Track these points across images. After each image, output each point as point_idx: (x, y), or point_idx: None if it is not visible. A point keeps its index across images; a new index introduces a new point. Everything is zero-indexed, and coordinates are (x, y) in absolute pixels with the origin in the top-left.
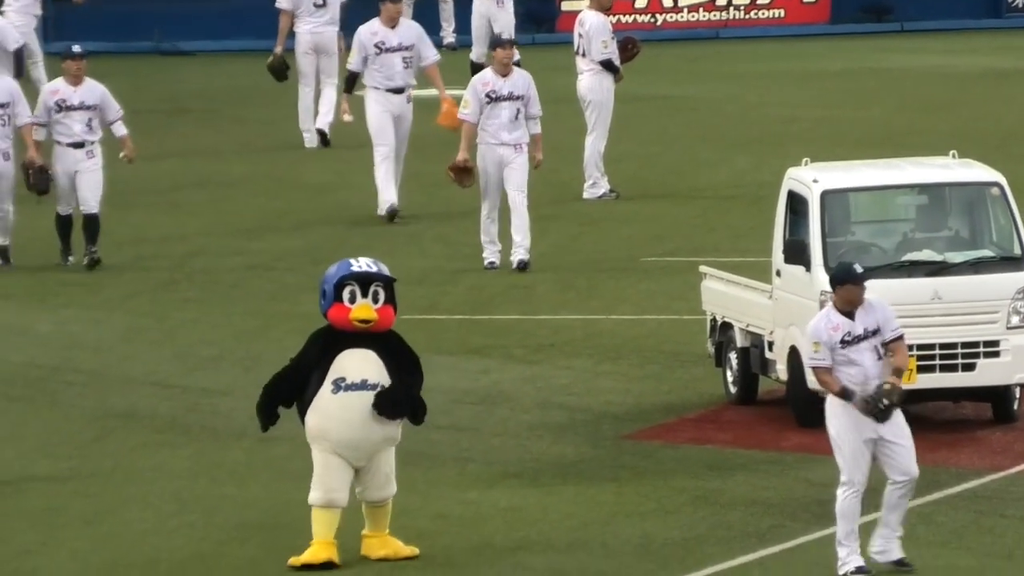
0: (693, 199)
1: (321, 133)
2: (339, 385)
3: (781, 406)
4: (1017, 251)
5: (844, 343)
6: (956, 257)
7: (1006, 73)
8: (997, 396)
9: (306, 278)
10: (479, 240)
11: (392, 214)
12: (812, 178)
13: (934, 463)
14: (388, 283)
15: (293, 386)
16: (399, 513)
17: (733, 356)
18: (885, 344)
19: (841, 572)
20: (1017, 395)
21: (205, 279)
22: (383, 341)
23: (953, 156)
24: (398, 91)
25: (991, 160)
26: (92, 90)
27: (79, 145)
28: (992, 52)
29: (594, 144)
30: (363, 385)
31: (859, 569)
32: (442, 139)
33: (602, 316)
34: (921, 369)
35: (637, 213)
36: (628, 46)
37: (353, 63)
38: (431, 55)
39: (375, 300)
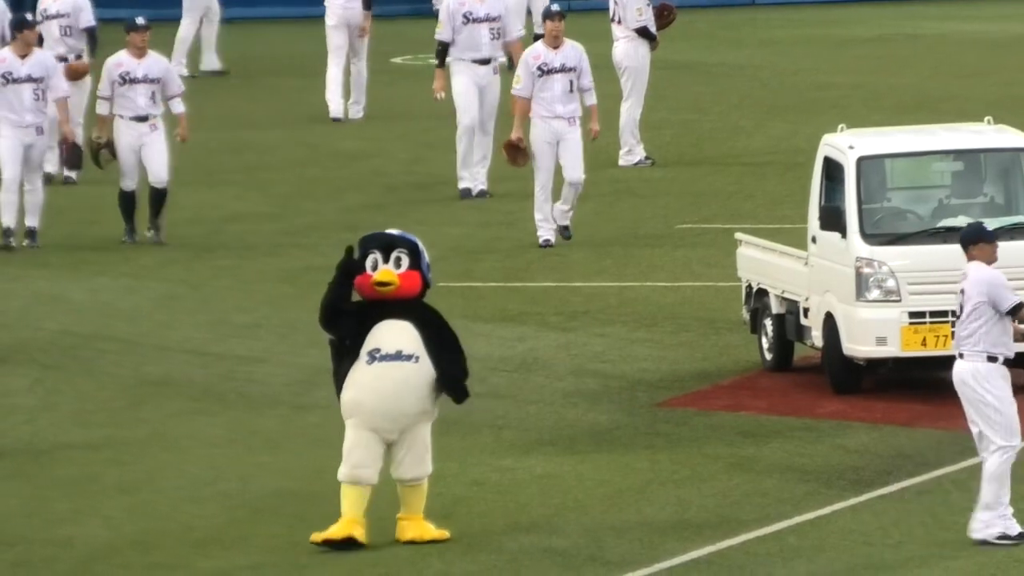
0: (729, 166)
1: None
2: (374, 356)
3: (816, 373)
4: None
5: None
6: (992, 223)
7: None
8: None
9: (341, 245)
10: (532, 216)
11: (465, 195)
12: (848, 144)
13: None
14: (412, 248)
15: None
16: (435, 479)
17: (768, 323)
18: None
19: (1013, 533)
20: None
21: (240, 246)
22: (418, 312)
23: (988, 122)
24: (484, 62)
25: None
26: (156, 63)
27: (143, 119)
28: None
29: (630, 111)
30: (398, 356)
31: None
32: None
33: (637, 283)
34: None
35: (673, 180)
36: (664, 13)
37: (442, 33)
38: (515, 30)
39: (397, 265)
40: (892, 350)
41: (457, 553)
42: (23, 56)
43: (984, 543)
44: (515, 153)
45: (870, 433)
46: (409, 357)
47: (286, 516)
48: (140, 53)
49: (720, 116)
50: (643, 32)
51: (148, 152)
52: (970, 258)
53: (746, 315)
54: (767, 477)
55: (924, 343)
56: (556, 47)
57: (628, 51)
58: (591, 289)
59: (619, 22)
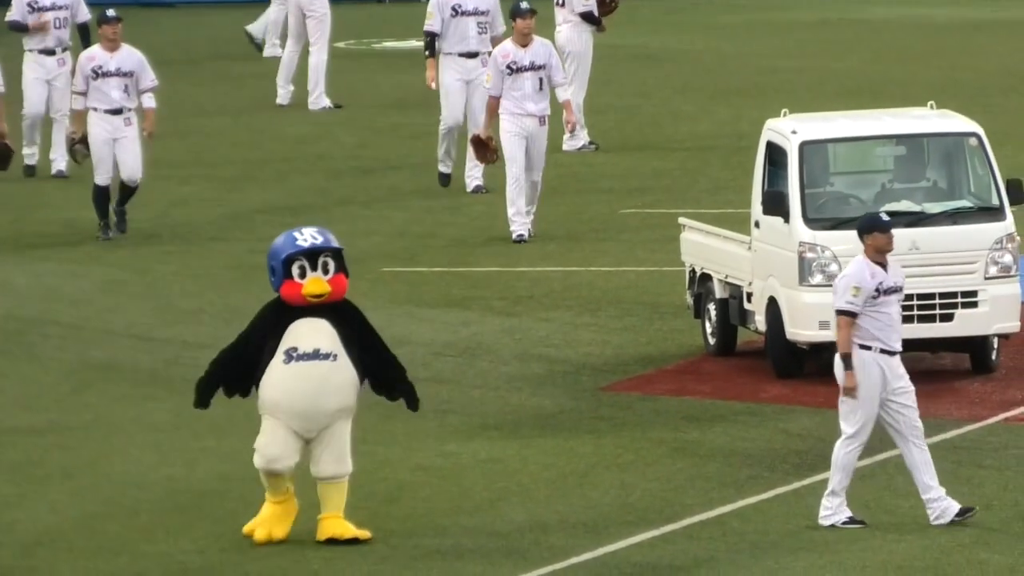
0: (673, 151)
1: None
2: (291, 355)
3: (759, 357)
4: (995, 201)
5: (878, 293)
6: (934, 208)
7: (983, 24)
8: (975, 346)
9: (285, 229)
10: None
11: (445, 183)
12: (791, 129)
13: None
14: (336, 252)
15: (245, 360)
16: (380, 464)
17: (712, 307)
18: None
19: (828, 522)
20: (995, 345)
21: (186, 231)
22: (337, 310)
23: (931, 107)
24: (471, 56)
25: (969, 111)
26: (130, 56)
27: (117, 112)
28: (969, 3)
29: (573, 96)
30: (315, 355)
31: (851, 519)
32: (418, 95)
33: (581, 268)
34: None
35: (616, 165)
36: (607, 0)
37: (431, 24)
38: (501, 25)
39: (325, 271)
40: (835, 334)
41: (401, 537)
42: None
43: (832, 528)
44: (483, 150)
45: (813, 417)
46: (327, 356)
47: (231, 500)
48: (113, 46)
49: (664, 101)
50: (587, 17)
51: (122, 149)
52: (865, 249)
53: (690, 300)
54: (710, 461)
55: None
56: (525, 45)
57: (572, 36)
58: (535, 274)
59: (563, 5)
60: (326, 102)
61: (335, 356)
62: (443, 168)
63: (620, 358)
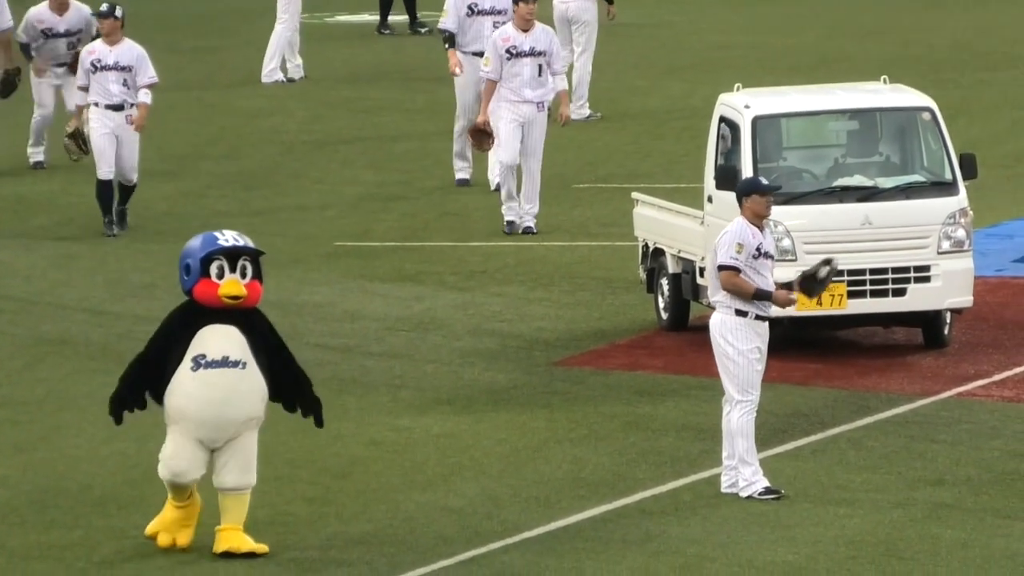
0: (626, 125)
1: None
2: (199, 362)
3: None
4: (948, 176)
5: (758, 253)
6: (887, 182)
7: None
8: (928, 321)
9: (237, 204)
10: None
11: (462, 184)
12: (743, 104)
13: (865, 388)
14: (256, 257)
15: (153, 370)
16: (332, 439)
17: (665, 282)
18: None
19: (745, 493)
20: (948, 320)
21: (137, 205)
22: (245, 318)
23: (884, 81)
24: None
25: (922, 85)
26: (129, 50)
27: (118, 107)
28: None
29: (585, 66)
30: (224, 362)
31: (768, 490)
32: (371, 69)
33: (534, 243)
34: (852, 295)
35: (570, 139)
36: None
37: (446, 22)
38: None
39: (243, 275)
40: (787, 310)
41: (354, 512)
42: None
43: (750, 498)
44: (481, 137)
45: (765, 392)
46: (236, 363)
47: None
48: (112, 40)
49: (617, 76)
50: None
51: (123, 147)
52: (742, 211)
53: (642, 274)
54: (663, 435)
55: (819, 303)
56: (527, 30)
57: (586, 5)
58: (488, 249)
59: None
60: (279, 76)
61: (244, 364)
62: (460, 175)
63: (573, 333)
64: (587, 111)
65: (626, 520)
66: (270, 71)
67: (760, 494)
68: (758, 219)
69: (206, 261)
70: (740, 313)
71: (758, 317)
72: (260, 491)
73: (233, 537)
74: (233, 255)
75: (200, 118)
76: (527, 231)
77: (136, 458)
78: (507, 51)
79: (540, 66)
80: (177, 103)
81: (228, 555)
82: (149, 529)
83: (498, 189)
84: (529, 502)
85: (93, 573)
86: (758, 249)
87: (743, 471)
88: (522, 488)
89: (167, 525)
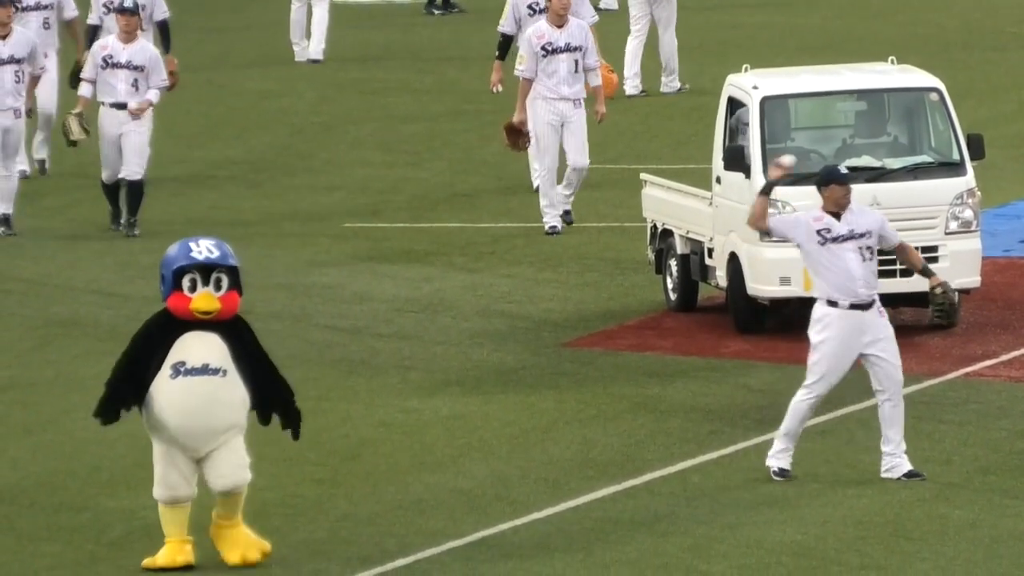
0: (635, 106)
1: (314, 62)
2: (179, 370)
3: (721, 313)
4: (956, 157)
5: (822, 236)
6: (895, 163)
7: None
8: None
9: (247, 186)
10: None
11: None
12: (752, 84)
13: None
14: (232, 270)
15: (135, 377)
16: (342, 421)
17: (673, 263)
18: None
19: (768, 462)
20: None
21: (147, 188)
22: (228, 324)
23: (892, 62)
24: None
25: (930, 66)
26: (143, 50)
27: (122, 106)
28: None
29: (672, 40)
30: (204, 369)
31: (782, 471)
32: (380, 50)
33: (542, 224)
34: None
35: None
36: None
37: (505, 26)
38: (589, 15)
39: (217, 287)
40: (796, 290)
41: (363, 493)
42: (3, 36)
43: (793, 482)
44: (515, 136)
45: (774, 372)
46: (217, 371)
47: None
48: (127, 38)
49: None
50: None
51: (126, 142)
52: (824, 202)
53: (651, 255)
54: (671, 416)
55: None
56: (560, 26)
57: None
58: (497, 230)
59: None
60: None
61: (225, 371)
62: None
63: (582, 314)
64: (677, 83)
65: (634, 501)
66: (321, 50)
67: (774, 473)
68: (839, 208)
69: (179, 274)
70: (831, 303)
71: (853, 306)
72: (269, 473)
73: (238, 539)
74: (206, 269)
75: (209, 99)
76: (565, 216)
77: (145, 439)
78: (542, 48)
79: (576, 62)
80: (186, 84)
81: (245, 564)
82: (145, 562)
83: (538, 190)
84: (538, 483)
85: (102, 555)
86: (820, 232)
87: (778, 444)
88: (531, 469)
89: (171, 559)
